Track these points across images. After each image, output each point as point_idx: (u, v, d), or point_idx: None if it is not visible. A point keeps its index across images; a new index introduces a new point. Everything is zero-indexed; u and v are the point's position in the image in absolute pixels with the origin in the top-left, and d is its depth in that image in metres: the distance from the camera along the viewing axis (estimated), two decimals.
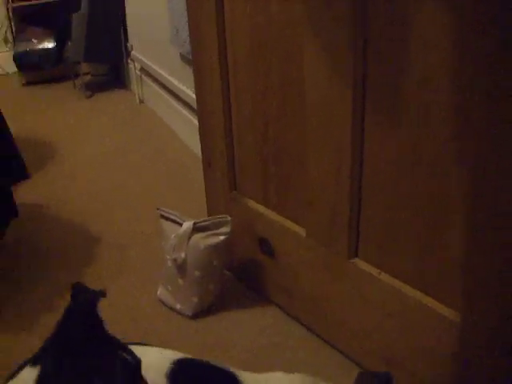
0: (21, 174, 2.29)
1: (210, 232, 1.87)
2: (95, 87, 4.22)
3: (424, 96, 1.23)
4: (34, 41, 4.25)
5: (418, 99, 1.25)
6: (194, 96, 2.62)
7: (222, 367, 1.24)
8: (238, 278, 2.09)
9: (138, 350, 1.07)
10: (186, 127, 3.15)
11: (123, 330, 1.72)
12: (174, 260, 1.86)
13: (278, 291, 1.89)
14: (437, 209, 1.30)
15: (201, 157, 2.08)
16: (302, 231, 1.71)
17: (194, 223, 1.87)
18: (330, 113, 1.45)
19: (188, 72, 2.89)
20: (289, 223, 1.76)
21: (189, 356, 1.20)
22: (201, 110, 2.00)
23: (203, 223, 1.88)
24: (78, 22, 3.91)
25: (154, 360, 1.13)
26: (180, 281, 1.88)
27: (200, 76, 1.91)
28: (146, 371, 1.05)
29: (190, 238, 1.86)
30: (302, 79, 1.51)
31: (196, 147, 2.65)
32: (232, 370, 1.24)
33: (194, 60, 1.92)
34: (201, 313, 1.91)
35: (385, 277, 1.49)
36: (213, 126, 1.93)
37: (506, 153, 1.11)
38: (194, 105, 2.18)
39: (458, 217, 1.25)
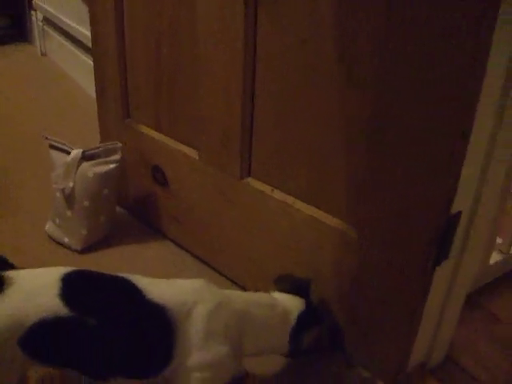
0: None
1: (99, 160, 1.75)
2: None
3: None
4: None
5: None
6: None
7: (117, 275, 1.14)
8: (131, 212, 1.99)
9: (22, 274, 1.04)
10: (90, 78, 2.98)
11: None
12: (62, 190, 1.73)
13: (171, 223, 1.81)
14: (327, 123, 1.24)
15: None
16: (194, 154, 1.63)
17: (83, 151, 1.74)
18: (220, 26, 1.37)
19: None
20: (181, 147, 1.68)
21: (74, 268, 1.10)
22: (94, 35, 1.88)
23: (93, 151, 1.76)
24: None
25: (41, 283, 1.05)
26: (68, 212, 1.75)
27: None
28: (37, 297, 1.01)
29: (78, 166, 1.73)
30: None
31: None
32: (128, 276, 1.14)
33: None
34: (90, 247, 1.79)
35: (277, 194, 1.42)
36: (105, 50, 1.82)
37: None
38: None
39: (352, 130, 1.20)
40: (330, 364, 1.39)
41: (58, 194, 1.75)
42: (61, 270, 1.08)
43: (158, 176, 1.78)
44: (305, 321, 1.25)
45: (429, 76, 1.02)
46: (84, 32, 2.95)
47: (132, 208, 1.98)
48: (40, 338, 1.01)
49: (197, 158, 1.61)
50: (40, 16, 3.64)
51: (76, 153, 1.73)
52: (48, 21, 3.57)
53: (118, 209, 1.95)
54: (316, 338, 1.26)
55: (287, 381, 1.37)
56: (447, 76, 0.99)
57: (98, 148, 1.76)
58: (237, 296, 1.23)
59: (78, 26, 3.04)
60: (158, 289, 1.13)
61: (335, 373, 1.38)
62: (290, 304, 1.26)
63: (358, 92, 1.16)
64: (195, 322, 1.10)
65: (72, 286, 1.06)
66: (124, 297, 1.11)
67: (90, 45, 2.81)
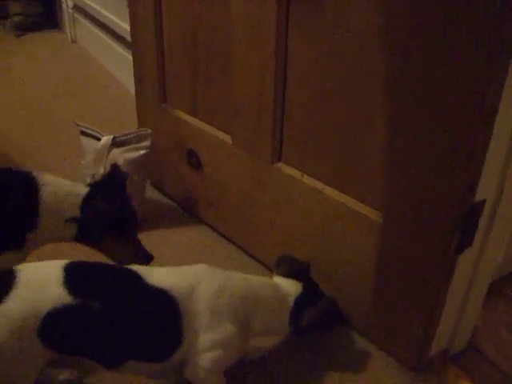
0: None
1: (129, 146, 1.78)
2: (27, 27, 4.02)
3: None
4: None
5: None
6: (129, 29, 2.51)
7: (115, 265, 1.17)
8: (167, 196, 2.03)
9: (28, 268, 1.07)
10: (120, 64, 3.03)
11: None
12: (93, 176, 1.77)
13: (205, 206, 1.85)
14: (357, 111, 1.26)
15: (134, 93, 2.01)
16: (228, 139, 1.66)
17: (114, 137, 1.78)
18: (255, 14, 1.39)
19: (123, 4, 2.76)
20: (216, 132, 1.71)
21: (73, 260, 1.13)
22: (133, 24, 1.92)
23: (123, 138, 1.80)
24: None
25: (46, 275, 1.08)
26: None
27: None
28: (45, 288, 1.04)
29: (109, 152, 1.77)
30: None
31: (129, 83, 2.53)
32: (129, 267, 1.18)
33: None
34: None
35: (307, 179, 1.44)
36: (144, 38, 1.85)
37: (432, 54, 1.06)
38: (129, 39, 2.09)
39: (377, 118, 1.22)
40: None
41: (88, 180, 1.79)
42: (63, 262, 1.11)
43: (193, 160, 1.81)
44: (302, 303, 1.28)
45: (454, 62, 1.03)
46: (113, 19, 2.98)
47: (167, 192, 2.02)
48: (54, 328, 1.04)
49: (230, 142, 1.64)
50: (70, 3, 3.69)
51: (106, 139, 1.77)
52: (78, 8, 3.61)
53: (153, 193, 1.98)
54: (316, 318, 1.29)
55: (296, 358, 1.40)
56: (472, 62, 1.00)
57: (129, 134, 1.79)
58: (240, 277, 1.26)
59: (107, 13, 3.08)
60: (160, 274, 1.16)
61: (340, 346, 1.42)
62: (289, 287, 1.30)
63: (383, 79, 1.18)
64: (200, 303, 1.13)
65: (74, 276, 1.08)
66: (125, 282, 1.14)
67: (119, 32, 2.87)
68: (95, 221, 1.34)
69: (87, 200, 1.33)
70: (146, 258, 1.42)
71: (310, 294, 1.32)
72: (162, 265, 1.55)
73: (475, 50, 0.99)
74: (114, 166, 1.46)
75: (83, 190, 1.34)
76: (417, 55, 1.08)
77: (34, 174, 1.31)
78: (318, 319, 1.29)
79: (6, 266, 1.09)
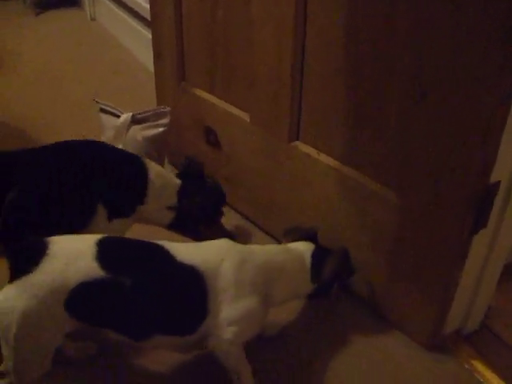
0: None
1: (148, 123, 1.80)
2: (46, 5, 4.03)
3: None
4: None
5: None
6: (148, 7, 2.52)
7: (146, 241, 1.20)
8: None
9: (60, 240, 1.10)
10: (138, 42, 3.04)
11: None
12: None
13: (223, 183, 1.83)
14: (375, 88, 1.26)
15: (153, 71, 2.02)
16: (246, 117, 1.67)
17: (133, 115, 1.79)
18: None
19: None
20: (233, 109, 1.72)
21: (105, 235, 1.17)
22: (152, 1, 1.92)
23: (142, 115, 1.81)
24: None
25: (79, 248, 1.11)
26: None
27: None
28: (76, 261, 1.07)
29: (128, 129, 1.78)
30: None
31: (149, 61, 2.54)
32: (157, 242, 1.21)
33: None
34: None
35: (324, 158, 1.46)
36: (163, 16, 1.86)
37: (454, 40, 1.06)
38: (149, 17, 2.10)
39: (393, 96, 1.22)
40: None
41: None
42: (96, 236, 1.14)
43: (211, 137, 1.83)
44: (320, 257, 1.33)
45: (471, 42, 1.03)
46: None
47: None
48: (82, 301, 1.08)
49: (248, 120, 1.65)
50: None
51: (126, 116, 1.79)
52: None
53: (171, 170, 2.00)
54: (336, 266, 1.34)
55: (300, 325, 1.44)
56: (489, 42, 1.01)
57: (148, 112, 1.81)
58: (258, 249, 1.30)
59: None
60: (187, 251, 1.19)
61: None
62: (302, 247, 1.35)
63: (400, 57, 1.18)
64: (224, 278, 1.16)
65: (106, 250, 1.12)
66: (155, 258, 1.17)
67: (138, 10, 2.87)
68: (193, 213, 1.49)
69: (183, 191, 1.46)
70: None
71: (325, 249, 1.37)
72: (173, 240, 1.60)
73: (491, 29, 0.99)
74: (190, 158, 1.59)
75: (177, 180, 1.48)
76: (440, 30, 1.08)
77: (143, 159, 1.45)
78: (338, 268, 1.34)
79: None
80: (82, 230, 1.32)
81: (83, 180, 1.32)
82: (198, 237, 1.54)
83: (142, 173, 1.41)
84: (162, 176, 1.46)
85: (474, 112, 1.07)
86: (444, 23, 1.07)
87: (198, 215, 1.52)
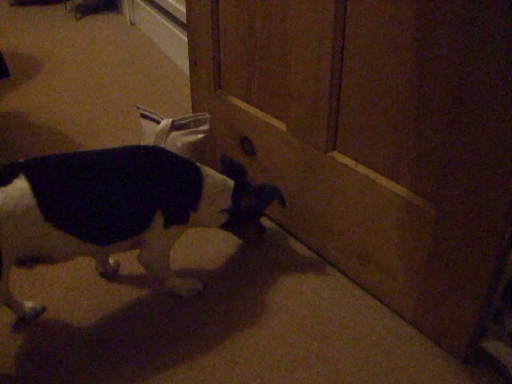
0: (2, 72, 2.24)
1: (188, 130, 1.83)
2: (87, 10, 4.12)
3: None
4: None
5: None
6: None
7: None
8: None
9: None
10: (177, 48, 3.08)
11: None
12: None
13: None
14: (414, 100, 1.27)
15: None
16: (282, 126, 1.68)
17: (173, 121, 1.83)
18: (312, 1, 1.41)
19: None
20: (270, 119, 1.74)
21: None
22: (189, 9, 1.95)
23: (182, 121, 1.84)
24: None
25: None
26: None
27: None
28: None
29: (167, 135, 1.82)
30: None
31: (186, 66, 2.59)
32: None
33: None
34: None
35: (361, 168, 1.47)
36: (200, 23, 1.89)
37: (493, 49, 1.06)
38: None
39: (435, 108, 1.23)
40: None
41: None
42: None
43: (247, 146, 1.85)
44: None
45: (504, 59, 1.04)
46: (172, 2, 3.03)
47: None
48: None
49: (284, 130, 1.67)
50: None
51: (166, 122, 1.82)
52: None
53: None
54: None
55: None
56: None
57: (188, 118, 1.84)
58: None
59: None
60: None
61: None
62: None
63: (438, 74, 1.19)
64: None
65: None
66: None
67: (177, 15, 2.91)
68: (247, 213, 1.56)
69: (237, 193, 1.51)
70: (264, 232, 1.73)
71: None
72: (216, 243, 1.65)
73: None
74: (227, 157, 1.65)
75: (231, 182, 1.52)
76: (482, 37, 1.09)
77: (198, 164, 1.48)
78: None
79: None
80: (137, 235, 1.37)
81: (143, 187, 1.34)
82: (241, 234, 1.67)
83: (198, 180, 1.44)
84: (217, 181, 1.49)
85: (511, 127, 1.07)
86: (487, 33, 1.07)
87: (250, 215, 1.59)
